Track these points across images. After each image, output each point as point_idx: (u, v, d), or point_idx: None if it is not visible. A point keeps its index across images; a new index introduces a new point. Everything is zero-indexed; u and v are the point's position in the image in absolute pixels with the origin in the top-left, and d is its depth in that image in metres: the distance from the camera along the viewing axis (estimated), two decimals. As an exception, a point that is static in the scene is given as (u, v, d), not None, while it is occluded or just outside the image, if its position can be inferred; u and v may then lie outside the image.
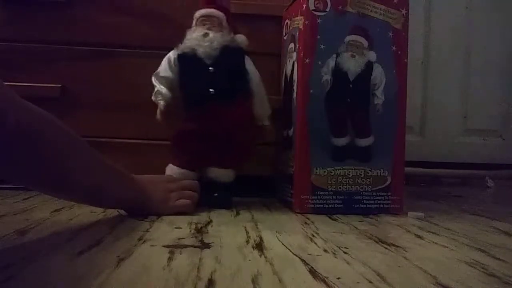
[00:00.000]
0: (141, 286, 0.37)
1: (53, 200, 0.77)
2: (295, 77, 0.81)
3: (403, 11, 0.81)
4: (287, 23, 0.89)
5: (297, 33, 0.81)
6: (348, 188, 0.78)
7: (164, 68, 0.79)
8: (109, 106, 0.91)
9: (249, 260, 0.46)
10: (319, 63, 0.78)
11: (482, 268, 0.46)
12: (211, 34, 0.78)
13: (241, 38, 0.81)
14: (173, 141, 0.80)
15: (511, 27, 1.54)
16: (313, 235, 0.59)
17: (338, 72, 0.78)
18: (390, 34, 0.80)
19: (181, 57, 0.79)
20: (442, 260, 0.49)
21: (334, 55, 0.78)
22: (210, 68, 0.78)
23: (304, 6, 0.78)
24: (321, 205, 0.77)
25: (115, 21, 0.91)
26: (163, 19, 0.92)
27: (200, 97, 0.78)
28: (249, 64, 0.81)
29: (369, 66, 0.79)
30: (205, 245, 0.51)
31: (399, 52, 0.81)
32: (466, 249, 0.54)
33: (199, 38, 0.78)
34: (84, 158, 0.57)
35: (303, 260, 0.46)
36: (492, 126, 1.55)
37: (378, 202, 0.79)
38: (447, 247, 0.55)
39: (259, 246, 0.52)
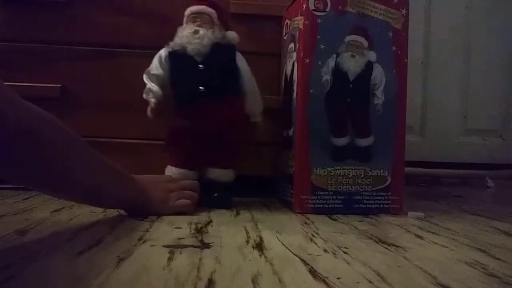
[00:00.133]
0: (141, 286, 0.37)
1: (53, 200, 0.77)
2: (295, 77, 0.81)
3: (403, 11, 0.81)
4: (287, 23, 0.89)
5: (297, 33, 0.81)
6: (348, 188, 0.78)
7: (155, 65, 0.79)
8: (109, 106, 0.91)
9: (249, 260, 0.46)
10: (319, 63, 0.78)
11: (482, 268, 0.46)
12: (201, 31, 0.78)
13: (232, 35, 0.80)
14: (167, 140, 0.80)
15: (511, 27, 1.54)
16: (313, 235, 0.59)
17: (338, 72, 0.78)
18: (390, 34, 0.80)
19: (171, 55, 0.79)
20: (442, 260, 0.49)
21: (334, 55, 0.78)
22: (200, 65, 0.77)
23: (304, 6, 0.78)
24: (321, 205, 0.77)
25: (115, 21, 0.91)
26: (163, 19, 0.92)
27: (190, 95, 0.77)
28: (240, 61, 0.80)
29: (369, 66, 0.79)
30: (205, 245, 0.51)
31: (399, 52, 0.81)
32: (466, 249, 0.54)
33: (190, 36, 0.78)
34: (84, 158, 0.57)
35: (303, 260, 0.46)
36: (492, 126, 1.55)
37: (378, 202, 0.79)
38: (447, 247, 0.55)
39: (259, 246, 0.52)
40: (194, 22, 0.79)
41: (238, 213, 0.74)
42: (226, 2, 0.85)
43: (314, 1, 0.78)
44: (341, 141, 0.79)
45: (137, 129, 0.91)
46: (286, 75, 0.88)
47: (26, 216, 0.65)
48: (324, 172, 0.78)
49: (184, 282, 0.38)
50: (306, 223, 0.68)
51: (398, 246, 0.54)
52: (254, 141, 0.84)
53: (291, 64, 0.84)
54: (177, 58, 0.78)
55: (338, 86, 0.78)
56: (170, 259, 0.45)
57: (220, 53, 0.79)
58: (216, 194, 0.80)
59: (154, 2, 0.93)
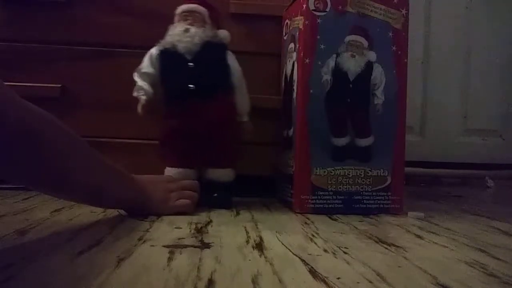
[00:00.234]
0: (141, 286, 0.37)
1: (53, 200, 0.77)
2: (295, 77, 0.81)
3: (403, 11, 0.81)
4: (287, 23, 0.89)
5: (297, 33, 0.81)
6: (348, 188, 0.78)
7: (146, 64, 0.79)
8: (109, 106, 0.91)
9: (249, 260, 0.46)
10: (319, 63, 0.78)
11: (482, 268, 0.46)
12: (192, 30, 0.78)
13: (223, 34, 0.80)
14: (160, 142, 0.80)
15: (511, 27, 1.54)
16: (313, 235, 0.59)
17: (338, 72, 0.78)
18: (390, 34, 0.80)
19: (162, 53, 0.79)
20: (442, 260, 0.49)
21: (334, 55, 0.78)
22: (190, 63, 0.77)
23: (304, 6, 0.78)
24: (321, 205, 0.77)
25: (115, 21, 0.91)
26: (163, 19, 0.91)
27: (180, 93, 0.77)
28: (231, 60, 0.80)
29: (369, 66, 0.79)
30: (205, 245, 0.51)
31: (399, 52, 0.81)
32: (466, 249, 0.54)
33: (180, 34, 0.78)
34: (84, 158, 0.57)
35: (303, 260, 0.46)
36: (492, 126, 1.55)
37: (378, 202, 0.79)
38: (447, 247, 0.55)
39: (259, 246, 0.52)
40: (185, 20, 0.79)
41: (238, 213, 0.74)
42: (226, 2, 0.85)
43: (314, 1, 0.78)
44: (341, 141, 0.79)
45: (137, 129, 0.91)
46: (286, 75, 0.88)
47: (26, 216, 0.65)
48: (324, 172, 0.78)
49: (184, 282, 0.38)
50: (306, 223, 0.68)
51: (398, 246, 0.54)
52: (242, 140, 0.83)
53: (291, 64, 0.84)
54: (168, 56, 0.78)
55: (338, 86, 0.78)
56: (170, 259, 0.45)
57: (211, 51, 0.78)
58: (216, 194, 0.80)
59: (154, 2, 0.93)
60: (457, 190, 1.26)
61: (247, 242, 0.54)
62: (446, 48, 1.51)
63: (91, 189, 0.59)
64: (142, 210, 0.68)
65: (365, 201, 0.79)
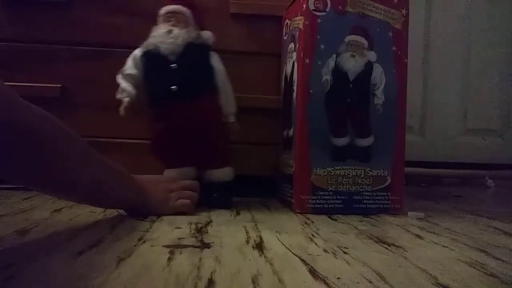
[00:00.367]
0: (141, 286, 0.37)
1: (53, 200, 0.77)
2: (295, 77, 0.81)
3: (403, 11, 0.81)
4: (287, 23, 0.89)
5: (297, 33, 0.81)
6: (348, 188, 0.78)
7: (129, 65, 0.79)
8: (109, 106, 0.91)
9: (249, 260, 0.46)
10: (319, 63, 0.78)
11: (482, 268, 0.46)
12: (175, 31, 0.77)
13: (207, 35, 0.80)
14: (150, 143, 0.80)
15: (511, 27, 1.54)
16: (313, 235, 0.59)
17: (338, 72, 0.78)
18: (390, 34, 0.80)
19: (145, 54, 0.78)
20: (442, 260, 0.49)
21: (334, 55, 0.78)
22: (173, 65, 0.77)
23: (304, 6, 0.78)
24: (321, 205, 0.77)
25: (115, 21, 0.91)
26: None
27: (162, 94, 0.77)
28: (214, 61, 0.80)
29: (369, 66, 0.79)
30: (205, 245, 0.51)
31: (399, 52, 0.81)
32: (466, 249, 0.54)
33: (163, 35, 0.77)
34: (84, 158, 0.57)
35: (303, 260, 0.46)
36: (492, 126, 1.55)
37: (378, 202, 0.79)
38: (447, 247, 0.55)
39: (259, 246, 0.52)
40: (168, 21, 0.79)
41: (238, 213, 0.74)
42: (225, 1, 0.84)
43: (314, 1, 0.78)
44: (341, 141, 0.79)
45: (137, 129, 0.91)
46: (286, 75, 0.88)
47: (26, 216, 0.65)
48: (324, 172, 0.78)
49: (184, 282, 0.38)
50: (306, 223, 0.68)
51: (398, 246, 0.54)
52: (229, 140, 0.83)
53: (291, 64, 0.84)
54: (151, 58, 0.78)
55: (338, 86, 0.78)
56: (170, 259, 0.45)
57: (194, 52, 0.78)
58: (216, 194, 0.80)
59: (154, 2, 0.93)
60: (457, 190, 1.26)
61: (247, 242, 0.54)
62: (446, 48, 1.51)
63: (91, 189, 0.59)
64: (142, 210, 0.68)
65: (365, 201, 0.79)
